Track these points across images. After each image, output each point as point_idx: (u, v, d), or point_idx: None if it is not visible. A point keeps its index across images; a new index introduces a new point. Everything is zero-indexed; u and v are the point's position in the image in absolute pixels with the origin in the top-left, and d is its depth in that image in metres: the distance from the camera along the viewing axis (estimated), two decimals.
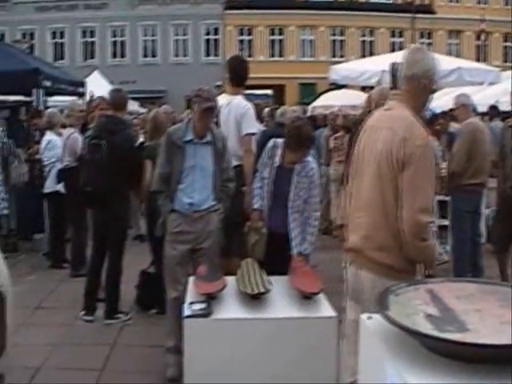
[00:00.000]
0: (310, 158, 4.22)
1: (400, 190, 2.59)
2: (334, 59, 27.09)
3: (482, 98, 9.67)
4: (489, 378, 1.51)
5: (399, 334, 1.65)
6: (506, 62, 30.27)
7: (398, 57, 3.19)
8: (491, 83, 9.83)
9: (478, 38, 31.15)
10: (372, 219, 2.70)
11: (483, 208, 6.50)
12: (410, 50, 2.84)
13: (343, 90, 15.64)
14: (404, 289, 1.88)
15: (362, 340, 1.95)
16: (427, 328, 1.61)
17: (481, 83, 9.81)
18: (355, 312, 2.66)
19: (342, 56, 29.79)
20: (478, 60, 25.02)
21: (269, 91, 25.96)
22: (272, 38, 31.93)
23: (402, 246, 2.61)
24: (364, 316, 1.92)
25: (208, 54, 31.67)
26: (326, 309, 3.09)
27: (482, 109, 9.27)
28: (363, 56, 27.24)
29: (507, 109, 7.65)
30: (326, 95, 16.69)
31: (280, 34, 31.89)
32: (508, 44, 32.60)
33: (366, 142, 2.85)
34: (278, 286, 3.29)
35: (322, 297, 3.21)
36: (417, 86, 2.72)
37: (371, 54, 26.48)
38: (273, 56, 31.87)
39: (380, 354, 1.71)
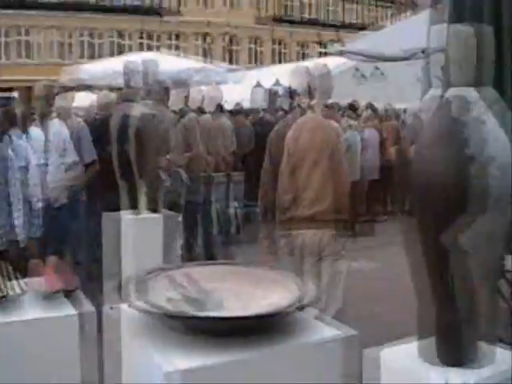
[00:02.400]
0: None
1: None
2: (82, 60, 26.39)
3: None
4: (247, 349, 1.57)
5: (154, 320, 1.65)
6: (251, 62, 32.58)
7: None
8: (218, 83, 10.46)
9: (224, 39, 33.20)
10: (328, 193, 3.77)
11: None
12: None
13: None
14: (155, 275, 1.87)
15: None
16: (187, 310, 1.64)
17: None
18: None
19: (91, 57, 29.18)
20: (225, 60, 26.58)
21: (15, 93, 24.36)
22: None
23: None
24: (106, 308, 1.94)
25: None
26: (66, 308, 2.93)
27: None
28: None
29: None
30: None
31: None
32: (252, 46, 35.16)
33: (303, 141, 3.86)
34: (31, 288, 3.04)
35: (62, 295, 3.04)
36: None
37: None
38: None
39: (140, 344, 1.67)
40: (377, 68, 13.71)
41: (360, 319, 3.39)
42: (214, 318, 1.60)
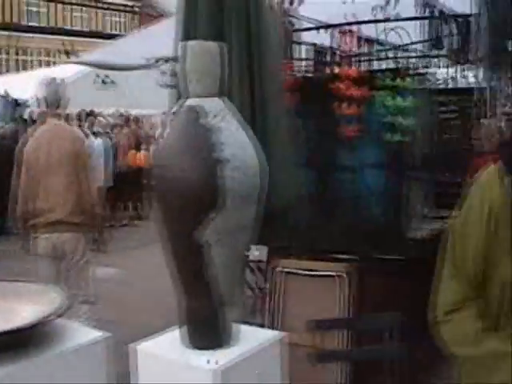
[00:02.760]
0: None
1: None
2: None
3: None
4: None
5: None
6: None
7: None
8: None
9: None
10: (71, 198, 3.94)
11: None
12: None
13: None
14: None
15: None
16: None
17: None
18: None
19: None
20: None
21: None
22: None
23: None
24: None
25: None
26: None
27: None
28: None
29: None
30: None
31: None
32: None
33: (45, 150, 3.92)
34: None
35: None
36: None
37: None
38: None
39: None
40: (107, 76, 13.95)
41: (109, 322, 3.56)
42: None
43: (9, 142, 9.49)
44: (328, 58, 5.05)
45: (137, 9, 38.70)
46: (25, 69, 31.13)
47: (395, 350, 2.84)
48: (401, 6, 3.75)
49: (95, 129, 9.78)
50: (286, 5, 4.20)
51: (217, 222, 1.71)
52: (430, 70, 4.52)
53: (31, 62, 33.43)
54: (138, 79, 10.49)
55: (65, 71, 14.19)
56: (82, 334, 1.75)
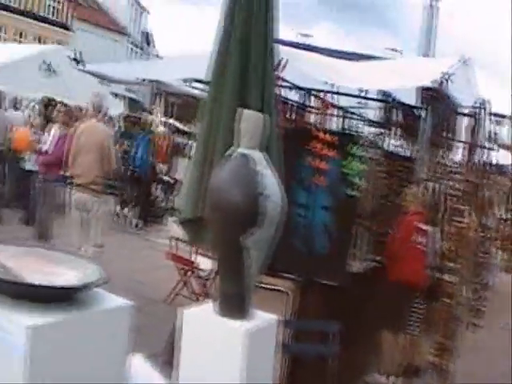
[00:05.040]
0: None
1: None
2: None
3: None
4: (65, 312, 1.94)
5: None
6: None
7: None
8: None
9: None
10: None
11: None
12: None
13: None
14: None
15: None
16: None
17: None
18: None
19: None
20: None
21: None
22: None
23: None
24: None
25: None
26: None
27: None
28: None
29: None
30: None
31: None
32: None
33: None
34: None
35: None
36: None
37: None
38: None
39: None
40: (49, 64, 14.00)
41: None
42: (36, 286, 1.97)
43: None
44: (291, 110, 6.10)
45: None
46: None
47: (328, 350, 3.81)
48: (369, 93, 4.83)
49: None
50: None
51: (255, 234, 2.61)
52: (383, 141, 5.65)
53: None
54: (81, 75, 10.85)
55: (13, 52, 14.25)
56: (111, 300, 2.14)
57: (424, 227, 5.44)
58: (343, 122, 6.10)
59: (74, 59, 7.91)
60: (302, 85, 5.89)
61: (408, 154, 5.81)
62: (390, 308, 5.13)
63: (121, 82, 6.74)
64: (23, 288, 1.98)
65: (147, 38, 47.75)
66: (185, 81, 6.78)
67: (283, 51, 5.51)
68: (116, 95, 17.68)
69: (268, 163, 2.75)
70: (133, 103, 28.59)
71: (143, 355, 2.54)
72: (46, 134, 8.43)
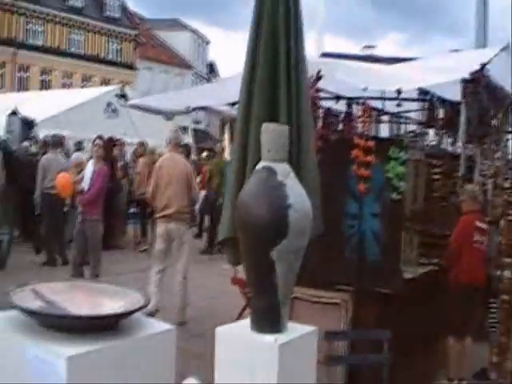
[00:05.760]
0: None
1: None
2: None
3: None
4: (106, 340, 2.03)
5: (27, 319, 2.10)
6: None
7: None
8: None
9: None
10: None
11: None
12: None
13: None
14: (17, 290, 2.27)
15: None
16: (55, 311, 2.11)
17: None
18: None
19: None
20: None
21: None
22: None
23: None
24: None
25: None
26: None
27: None
28: None
29: None
30: None
31: None
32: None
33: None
34: None
35: None
36: None
37: None
38: None
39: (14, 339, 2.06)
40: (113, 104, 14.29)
41: None
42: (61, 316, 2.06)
43: (21, 165, 10.00)
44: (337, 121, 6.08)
45: (135, 37, 40.10)
46: (25, 87, 32.26)
47: (382, 358, 3.71)
48: (407, 93, 4.74)
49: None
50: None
51: (281, 246, 2.59)
52: (426, 138, 5.51)
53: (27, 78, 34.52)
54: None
55: (78, 96, 14.89)
56: (155, 326, 2.23)
57: (483, 226, 5.25)
58: (391, 126, 6.00)
59: (121, 95, 8.11)
60: (347, 94, 5.87)
61: (458, 151, 5.63)
62: (454, 312, 4.95)
63: (167, 113, 6.87)
64: (65, 320, 2.09)
65: (212, 68, 48.68)
66: (233, 104, 6.81)
67: (321, 62, 5.52)
68: (184, 128, 18.14)
69: (293, 173, 2.75)
70: (201, 134, 29.25)
71: (196, 379, 2.58)
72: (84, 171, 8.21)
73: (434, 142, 6.19)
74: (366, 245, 4.63)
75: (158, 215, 6.88)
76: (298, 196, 2.67)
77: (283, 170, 2.71)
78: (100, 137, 9.33)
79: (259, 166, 2.76)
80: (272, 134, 2.77)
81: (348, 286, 4.63)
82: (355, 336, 4.17)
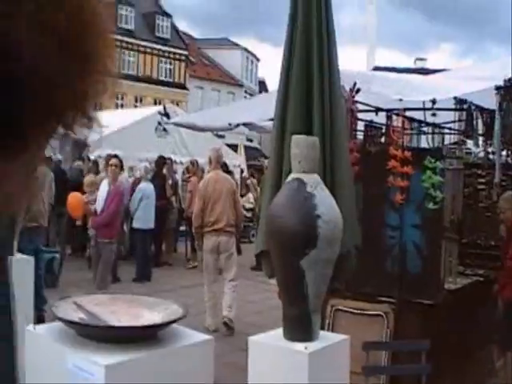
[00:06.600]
0: None
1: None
2: None
3: None
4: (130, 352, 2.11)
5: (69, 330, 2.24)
6: None
7: None
8: None
9: None
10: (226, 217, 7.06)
11: None
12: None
13: None
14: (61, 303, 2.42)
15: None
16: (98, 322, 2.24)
17: None
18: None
19: None
20: None
21: None
22: None
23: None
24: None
25: None
26: None
27: None
28: None
29: None
30: None
31: None
32: None
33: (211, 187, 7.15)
34: None
35: None
36: None
37: None
38: None
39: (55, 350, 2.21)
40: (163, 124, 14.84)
41: None
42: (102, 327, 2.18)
43: (73, 184, 9.97)
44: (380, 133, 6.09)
45: (186, 57, 40.80)
46: None
47: (422, 368, 3.69)
48: (444, 103, 4.74)
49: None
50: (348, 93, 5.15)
51: (311, 255, 2.65)
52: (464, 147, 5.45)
53: None
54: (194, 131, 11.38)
55: (130, 116, 15.26)
56: (194, 336, 2.31)
57: None
58: (433, 137, 5.97)
59: (165, 114, 8.27)
60: (386, 106, 5.86)
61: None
62: (498, 324, 4.86)
63: (210, 129, 7.01)
64: (104, 330, 2.22)
65: (262, 86, 49.05)
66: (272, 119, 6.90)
67: (358, 75, 5.55)
68: (236, 146, 18.41)
69: (323, 184, 2.82)
70: (252, 151, 29.46)
71: None
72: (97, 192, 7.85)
73: (481, 153, 6.11)
74: (407, 256, 4.62)
75: (207, 229, 7.11)
76: (327, 207, 2.73)
77: (313, 181, 2.78)
78: (116, 155, 8.79)
79: (290, 177, 2.84)
80: (302, 145, 2.85)
81: (389, 297, 4.61)
82: (393, 346, 4.16)
